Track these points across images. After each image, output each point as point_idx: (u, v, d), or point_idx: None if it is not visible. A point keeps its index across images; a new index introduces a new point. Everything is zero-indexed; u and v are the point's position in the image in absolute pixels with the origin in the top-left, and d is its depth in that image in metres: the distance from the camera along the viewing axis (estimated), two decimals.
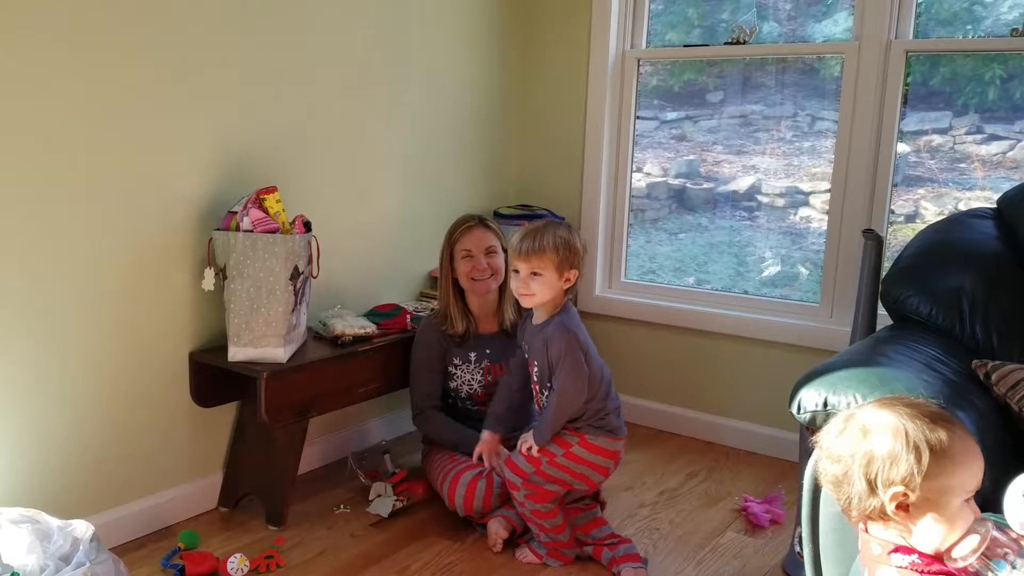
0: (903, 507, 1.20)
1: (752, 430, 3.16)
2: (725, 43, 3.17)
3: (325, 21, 2.72)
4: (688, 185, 3.42)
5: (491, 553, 2.38)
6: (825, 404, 1.67)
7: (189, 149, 2.38)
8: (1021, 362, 1.84)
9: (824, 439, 1.31)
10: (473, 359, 2.67)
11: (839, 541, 1.67)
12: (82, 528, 1.86)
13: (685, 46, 3.29)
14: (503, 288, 2.67)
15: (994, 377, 1.77)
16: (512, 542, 2.42)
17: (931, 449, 1.18)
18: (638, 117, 3.45)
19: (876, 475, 1.20)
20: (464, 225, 2.66)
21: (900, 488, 1.19)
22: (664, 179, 3.47)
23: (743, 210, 3.29)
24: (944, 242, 2.12)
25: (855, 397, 1.63)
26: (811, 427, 1.73)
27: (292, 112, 2.66)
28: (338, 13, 2.76)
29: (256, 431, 2.50)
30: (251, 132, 2.54)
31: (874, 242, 2.21)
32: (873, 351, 1.82)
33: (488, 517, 2.45)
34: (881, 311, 2.27)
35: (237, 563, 2.20)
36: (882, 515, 1.22)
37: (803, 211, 3.13)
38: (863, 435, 1.23)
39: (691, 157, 3.39)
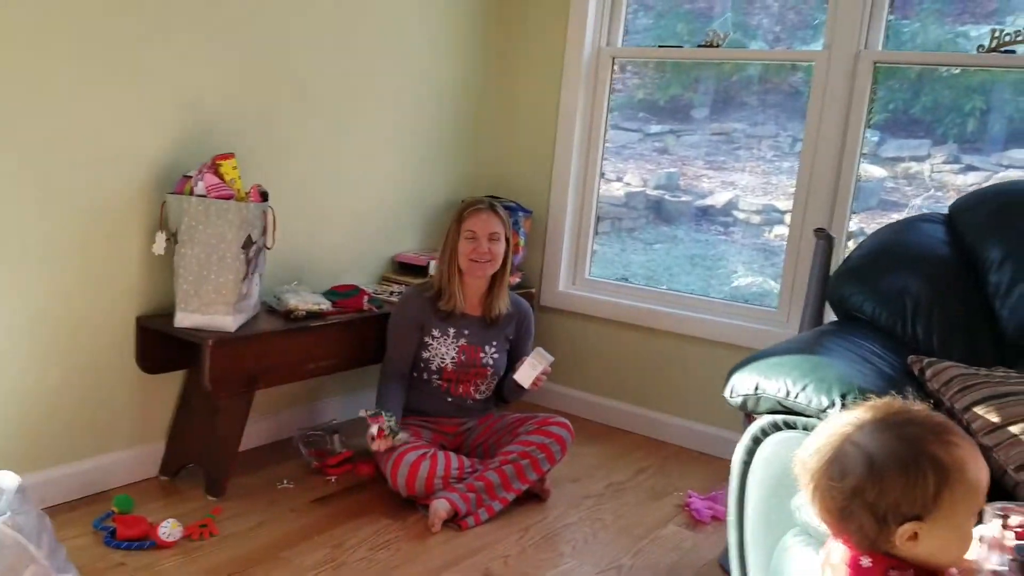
0: (913, 538, 1.07)
1: (703, 430, 3.17)
2: (699, 46, 3.19)
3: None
4: (667, 197, 3.45)
5: (430, 533, 2.36)
6: (757, 388, 1.67)
7: (149, 111, 2.36)
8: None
9: (814, 464, 1.13)
10: (452, 334, 2.69)
11: (764, 524, 1.68)
12: (8, 479, 1.83)
13: (660, 46, 3.31)
14: (496, 277, 2.71)
15: (928, 373, 1.78)
16: (452, 524, 2.41)
17: (947, 473, 1.05)
18: (622, 128, 3.47)
19: (886, 511, 1.07)
20: (474, 206, 2.70)
21: (910, 526, 1.06)
22: (643, 189, 3.48)
23: (719, 224, 3.33)
24: (893, 243, 2.14)
25: (786, 382, 1.63)
26: (744, 411, 1.73)
27: (261, 82, 2.65)
28: None
29: (201, 400, 2.47)
30: (216, 98, 2.52)
31: (825, 241, 2.23)
32: (811, 341, 1.83)
33: (431, 498, 2.43)
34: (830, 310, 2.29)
35: (169, 528, 2.17)
36: (887, 544, 1.09)
37: (778, 229, 3.16)
38: (868, 465, 1.08)
39: (672, 170, 3.42)
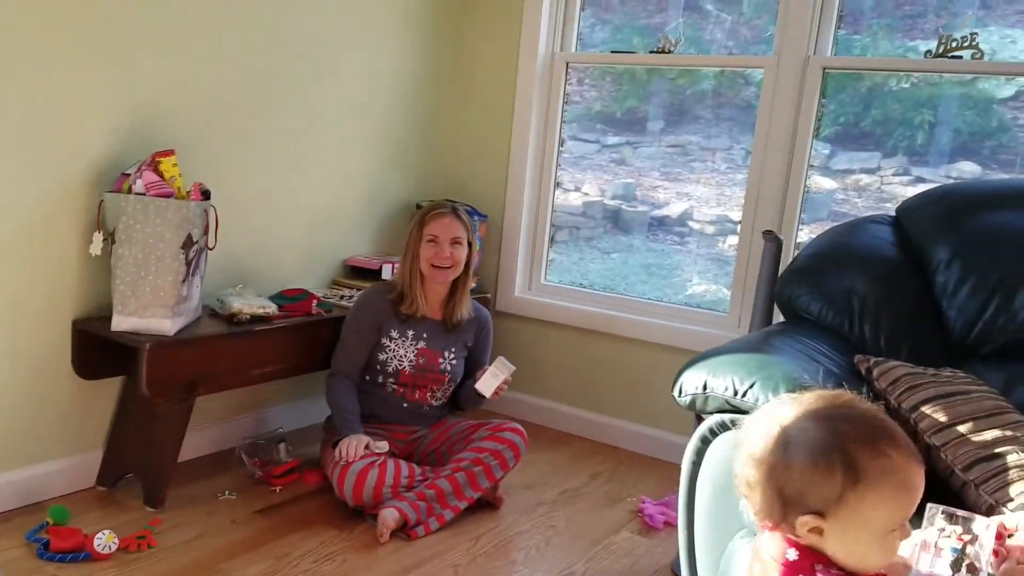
0: (817, 531, 1.05)
1: (656, 435, 3.15)
2: (651, 52, 3.19)
3: None
4: (624, 207, 3.46)
5: (378, 544, 2.31)
6: (704, 387, 1.65)
7: (85, 104, 2.28)
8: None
9: (745, 434, 1.13)
10: (411, 336, 2.65)
11: (713, 526, 1.65)
12: None
13: (612, 52, 3.30)
14: (457, 282, 2.68)
15: (875, 372, 1.77)
16: (401, 534, 2.36)
17: (859, 478, 1.01)
18: (581, 139, 3.46)
19: (791, 497, 1.05)
20: (436, 210, 2.66)
21: (810, 518, 1.04)
22: (601, 199, 3.48)
23: (674, 234, 3.34)
24: (840, 245, 2.14)
25: (733, 380, 1.61)
26: (693, 411, 1.71)
27: (207, 76, 2.58)
28: None
29: (139, 407, 2.39)
30: (158, 91, 2.45)
31: (773, 243, 2.22)
32: (759, 340, 1.81)
33: (379, 508, 2.37)
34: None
35: (105, 540, 2.09)
36: (790, 529, 1.08)
37: (731, 239, 3.18)
38: (783, 446, 1.06)
39: (628, 180, 3.42)
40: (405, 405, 2.68)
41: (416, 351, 2.64)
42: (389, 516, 2.33)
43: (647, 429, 3.18)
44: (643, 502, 2.66)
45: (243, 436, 2.79)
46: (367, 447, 2.45)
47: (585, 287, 3.45)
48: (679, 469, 3.00)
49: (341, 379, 2.62)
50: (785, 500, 1.06)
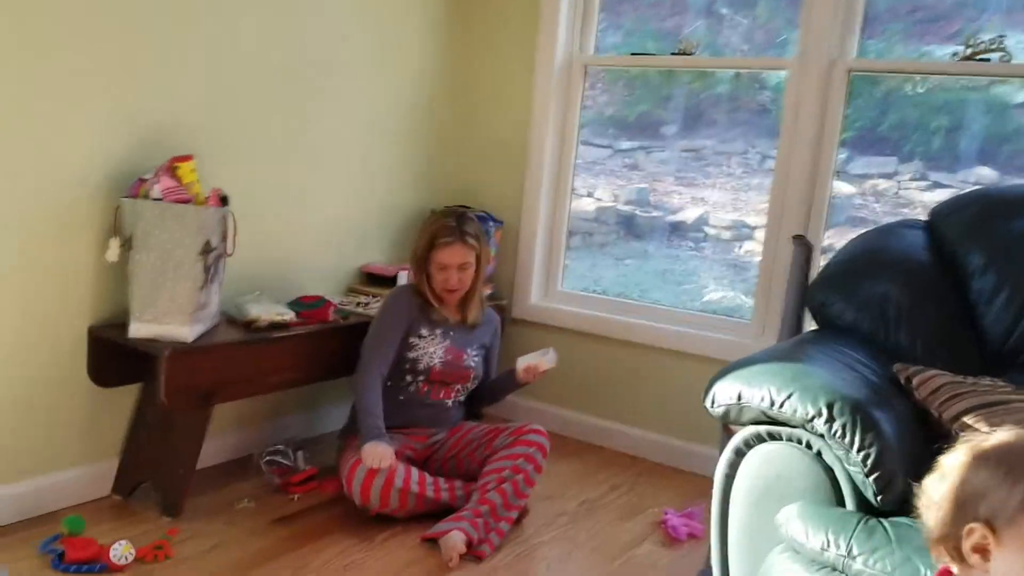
0: (983, 551, 0.96)
1: (677, 445, 3.10)
2: (672, 54, 3.16)
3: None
4: (637, 212, 3.43)
5: (400, 552, 2.27)
6: (739, 398, 1.61)
7: (103, 110, 2.26)
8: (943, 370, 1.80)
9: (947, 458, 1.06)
10: (439, 334, 2.65)
11: (748, 540, 1.61)
12: None
13: (632, 54, 3.26)
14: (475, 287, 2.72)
15: (915, 382, 1.73)
16: (468, 556, 2.28)
17: None
18: (593, 144, 3.42)
19: (966, 498, 0.98)
20: (444, 238, 2.62)
21: (979, 527, 0.96)
22: (614, 204, 3.44)
23: (690, 240, 3.31)
24: (873, 250, 2.10)
25: (769, 391, 1.57)
26: (726, 422, 1.67)
27: (223, 83, 2.55)
28: None
29: (156, 415, 2.36)
30: (175, 97, 2.42)
31: (803, 248, 2.18)
32: (793, 349, 1.77)
33: (439, 531, 2.30)
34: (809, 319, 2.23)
35: (121, 550, 2.06)
36: (957, 552, 1.00)
37: (748, 245, 3.15)
38: (977, 457, 1.00)
39: (642, 185, 3.39)
40: (428, 403, 2.64)
41: (444, 348, 2.64)
42: (456, 539, 2.25)
43: (667, 439, 3.13)
44: (666, 514, 2.61)
45: (260, 444, 2.75)
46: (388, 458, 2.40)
47: (600, 294, 3.41)
48: (700, 480, 3.01)
49: (374, 376, 2.55)
50: (958, 503, 0.98)
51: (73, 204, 2.23)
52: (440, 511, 2.42)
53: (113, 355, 2.33)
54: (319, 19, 2.83)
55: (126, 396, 2.45)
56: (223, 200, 2.30)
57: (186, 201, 2.20)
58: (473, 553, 2.27)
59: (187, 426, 2.32)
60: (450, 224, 2.65)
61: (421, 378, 2.62)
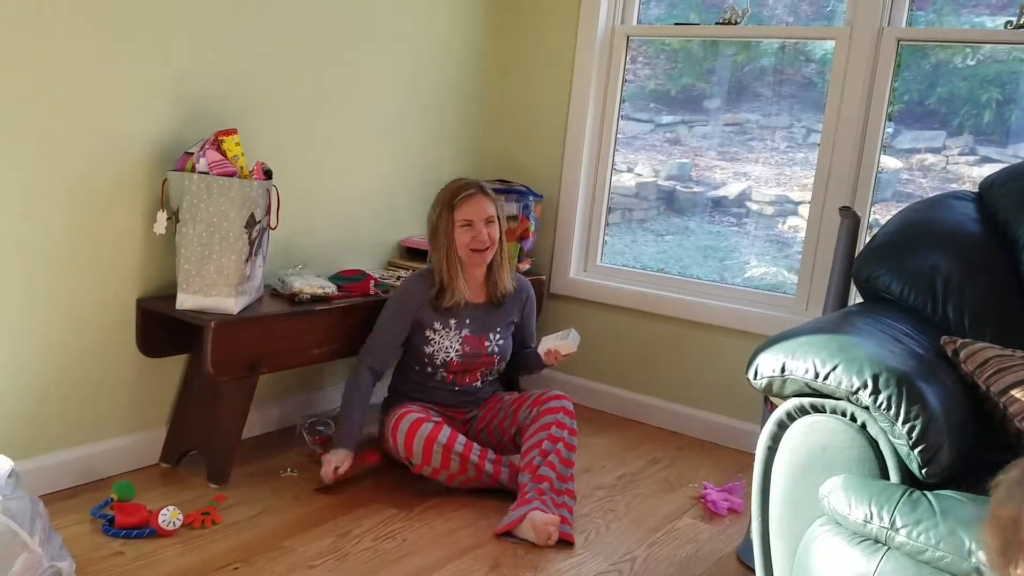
0: None
1: (718, 420, 3.09)
2: (717, 23, 3.11)
3: None
4: (678, 187, 3.40)
5: (439, 522, 2.29)
6: (783, 369, 1.59)
7: (149, 84, 2.29)
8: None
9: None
10: (453, 325, 2.55)
11: (789, 513, 1.60)
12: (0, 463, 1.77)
13: (676, 24, 3.22)
14: (493, 258, 2.58)
15: (963, 354, 1.70)
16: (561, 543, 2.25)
17: None
18: (633, 119, 3.39)
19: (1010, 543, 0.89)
20: (465, 192, 2.50)
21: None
22: (654, 180, 3.41)
23: (732, 215, 3.26)
24: (922, 222, 2.05)
25: (814, 363, 1.55)
26: (769, 394, 1.65)
27: (265, 58, 2.57)
28: None
29: (203, 385, 2.40)
30: (219, 72, 2.45)
31: (850, 220, 2.14)
32: (838, 321, 1.74)
33: (514, 520, 2.23)
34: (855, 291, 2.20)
35: (169, 516, 2.11)
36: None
37: (792, 220, 3.11)
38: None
39: (684, 160, 3.36)
40: (456, 389, 2.63)
41: (461, 340, 2.56)
42: (545, 517, 2.20)
43: (708, 414, 3.12)
44: (705, 488, 2.60)
45: (303, 414, 2.79)
46: (342, 466, 2.41)
47: (640, 269, 3.39)
48: (740, 455, 3.00)
49: (365, 374, 2.53)
50: (1004, 549, 0.90)
51: (122, 177, 2.27)
52: (481, 485, 2.44)
53: (161, 326, 2.37)
54: None
55: (174, 367, 2.50)
56: (267, 174, 2.32)
57: (231, 174, 2.23)
58: (562, 537, 2.22)
59: (232, 396, 2.36)
60: (467, 181, 2.58)
61: (442, 370, 2.58)
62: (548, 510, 2.24)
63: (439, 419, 2.48)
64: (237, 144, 2.28)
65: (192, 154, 2.25)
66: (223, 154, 2.24)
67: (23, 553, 1.66)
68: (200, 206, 2.21)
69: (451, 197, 2.51)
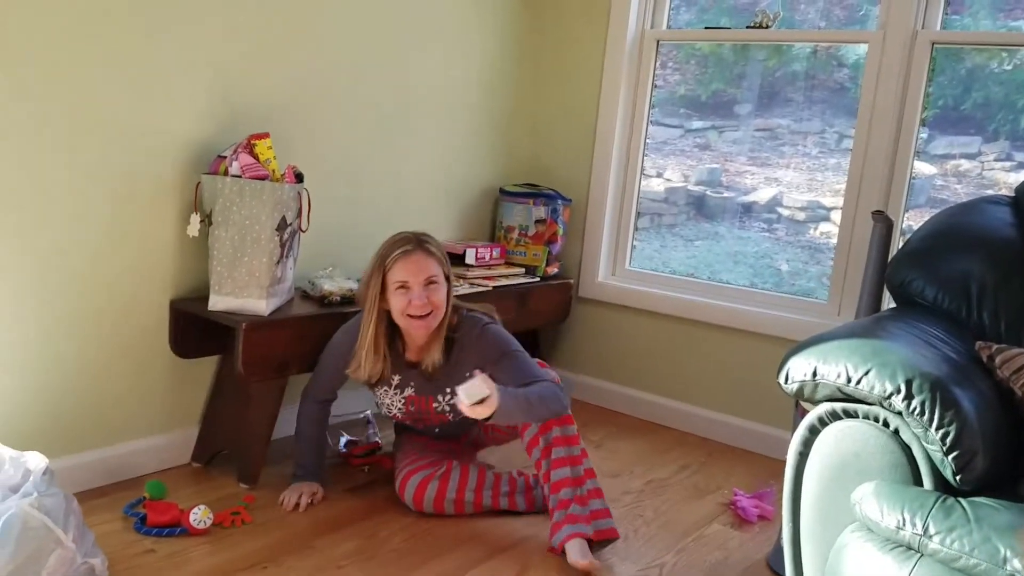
0: None
1: (747, 427, 3.06)
2: (748, 27, 3.09)
3: None
4: (708, 193, 3.38)
5: (464, 526, 2.29)
6: (814, 373, 1.57)
7: (190, 91, 2.32)
8: None
9: None
10: (394, 384, 2.33)
11: (821, 519, 1.58)
12: (35, 460, 1.81)
13: (706, 28, 3.21)
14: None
15: (998, 360, 1.67)
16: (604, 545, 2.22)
17: None
18: (663, 124, 3.39)
19: None
20: (400, 249, 2.18)
21: None
22: (684, 185, 3.40)
23: (762, 221, 3.24)
24: (956, 226, 2.02)
25: (846, 367, 1.53)
26: (800, 399, 1.64)
27: (298, 63, 2.60)
28: None
29: (234, 386, 2.43)
30: (252, 76, 2.48)
31: (883, 224, 2.11)
32: (871, 325, 1.72)
33: (559, 545, 2.13)
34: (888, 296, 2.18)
35: (200, 515, 2.13)
36: None
37: (824, 226, 3.08)
38: None
39: (714, 165, 3.34)
40: (437, 430, 2.47)
41: (404, 400, 2.34)
42: (579, 551, 2.09)
43: (738, 420, 3.09)
44: (735, 495, 2.58)
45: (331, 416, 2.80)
46: (312, 497, 2.33)
47: (669, 274, 3.37)
48: (770, 462, 2.98)
49: (310, 404, 2.39)
50: None
51: (159, 181, 2.31)
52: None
53: (193, 327, 2.40)
54: (393, 4, 2.85)
55: (206, 367, 2.53)
56: (298, 177, 2.35)
57: (263, 178, 2.26)
58: (605, 538, 2.18)
59: (262, 397, 2.38)
60: (405, 236, 2.23)
61: (401, 419, 2.43)
62: (585, 529, 2.13)
63: (443, 463, 2.33)
64: (269, 148, 2.30)
65: (225, 158, 2.28)
66: (255, 158, 2.27)
67: (57, 549, 1.68)
68: (232, 209, 2.24)
69: (385, 254, 2.20)
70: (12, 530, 1.63)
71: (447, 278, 2.22)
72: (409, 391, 2.32)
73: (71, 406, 2.24)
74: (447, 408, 2.32)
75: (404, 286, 2.16)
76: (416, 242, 2.20)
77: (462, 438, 2.54)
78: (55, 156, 2.10)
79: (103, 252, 2.23)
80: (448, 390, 2.27)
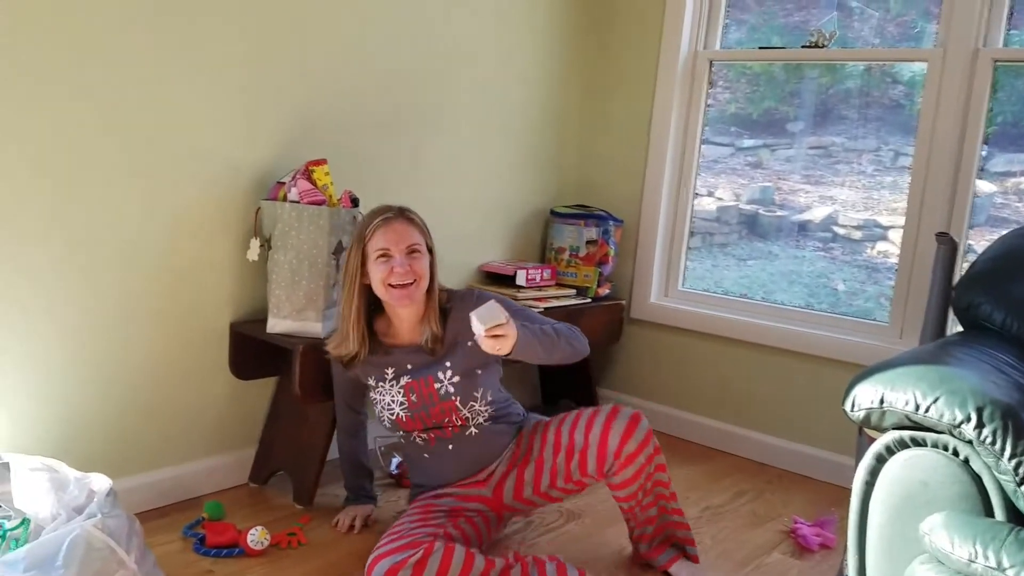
0: None
1: (808, 453, 2.99)
2: (803, 47, 3.06)
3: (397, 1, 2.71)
4: (761, 211, 3.34)
5: (516, 544, 2.28)
6: (882, 401, 1.53)
7: (244, 116, 2.37)
8: None
9: None
10: (390, 375, 2.15)
11: (887, 551, 1.53)
12: (99, 481, 1.84)
13: (760, 48, 3.18)
14: (430, 291, 2.13)
15: None
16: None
17: None
18: (713, 143, 3.36)
19: None
20: (380, 217, 2.07)
21: None
22: (735, 204, 3.37)
23: (817, 240, 3.19)
24: None
25: (915, 395, 1.49)
26: (867, 427, 1.60)
27: (354, 89, 2.64)
28: None
29: (290, 407, 2.46)
30: (309, 104, 2.53)
31: (947, 246, 2.06)
32: (938, 351, 1.67)
33: (664, 566, 2.18)
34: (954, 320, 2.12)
35: (258, 536, 2.15)
36: None
37: (881, 245, 3.02)
38: None
39: (766, 184, 3.30)
40: (450, 448, 2.18)
41: (402, 391, 2.13)
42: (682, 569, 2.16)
43: (797, 445, 3.03)
44: (796, 523, 2.52)
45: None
46: (365, 519, 2.34)
47: (722, 294, 3.33)
48: (831, 488, 2.91)
49: (340, 433, 2.38)
50: None
51: (221, 207, 2.36)
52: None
53: (252, 349, 2.44)
54: (445, 22, 2.89)
55: (264, 389, 2.57)
56: (354, 201, 2.38)
57: (321, 203, 2.29)
58: (689, 558, 2.22)
59: (318, 418, 2.41)
60: (385, 206, 2.13)
61: (401, 433, 2.20)
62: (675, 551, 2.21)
63: (421, 546, 1.91)
64: (327, 173, 2.34)
65: (284, 183, 2.32)
66: (313, 183, 2.30)
67: (120, 570, 1.70)
68: (291, 234, 2.28)
69: (364, 224, 2.10)
70: (76, 551, 1.65)
71: (430, 250, 2.13)
72: (405, 379, 2.13)
73: (134, 427, 2.29)
74: (451, 390, 2.11)
75: (385, 254, 2.05)
76: (397, 211, 2.10)
77: (486, 480, 2.22)
78: (130, 182, 2.16)
79: (167, 275, 2.28)
80: (448, 363, 2.11)
